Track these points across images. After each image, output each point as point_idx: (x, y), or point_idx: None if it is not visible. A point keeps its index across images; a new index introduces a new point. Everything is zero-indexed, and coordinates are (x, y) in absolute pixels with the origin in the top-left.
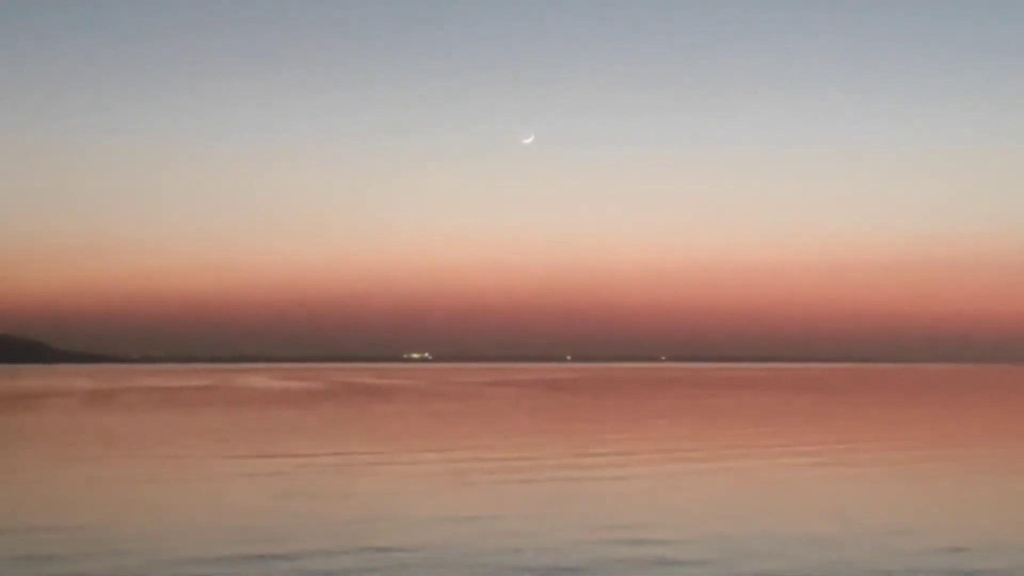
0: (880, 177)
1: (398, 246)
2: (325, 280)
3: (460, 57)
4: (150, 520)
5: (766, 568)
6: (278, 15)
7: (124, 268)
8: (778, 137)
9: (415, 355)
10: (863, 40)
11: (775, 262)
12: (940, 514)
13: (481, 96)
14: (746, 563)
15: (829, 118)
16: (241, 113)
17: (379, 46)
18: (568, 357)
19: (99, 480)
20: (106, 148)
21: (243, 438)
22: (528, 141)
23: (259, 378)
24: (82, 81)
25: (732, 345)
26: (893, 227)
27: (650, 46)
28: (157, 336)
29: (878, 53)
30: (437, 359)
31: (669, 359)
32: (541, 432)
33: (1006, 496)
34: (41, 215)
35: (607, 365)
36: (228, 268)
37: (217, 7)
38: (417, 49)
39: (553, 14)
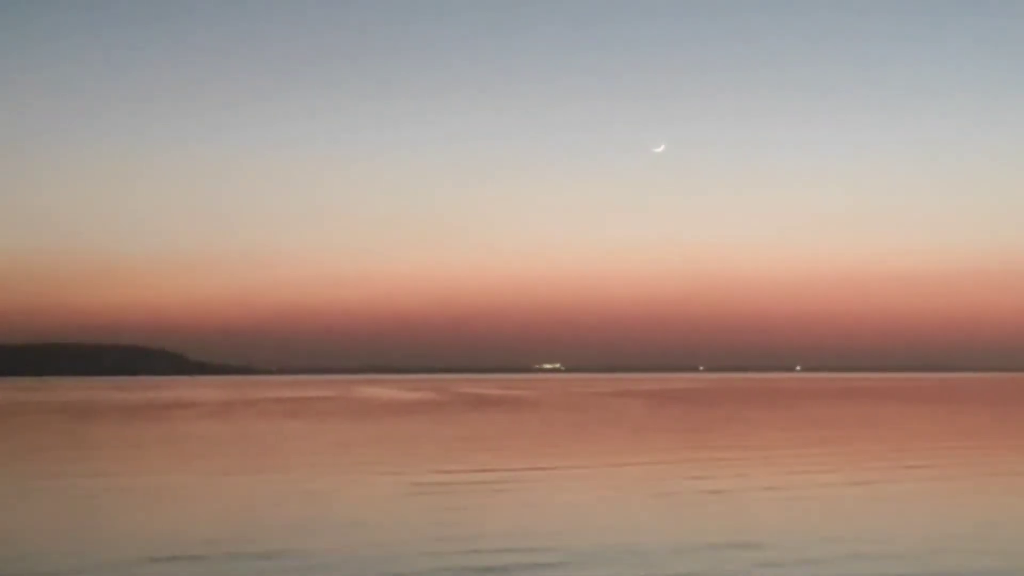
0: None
1: (530, 256)
2: (458, 291)
3: (591, 65)
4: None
5: None
6: (404, 24)
7: (257, 281)
8: (920, 145)
9: (547, 365)
10: (1001, 46)
11: (913, 271)
12: None
13: (612, 104)
14: None
15: (970, 125)
16: (375, 127)
17: (508, 55)
18: (701, 367)
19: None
20: (242, 164)
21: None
22: (659, 149)
23: (388, 389)
24: (222, 97)
25: (869, 355)
26: None
27: (785, 52)
28: (290, 348)
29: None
30: (569, 369)
31: (805, 369)
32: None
33: None
34: (178, 229)
35: (741, 375)
36: (361, 280)
37: (343, 17)
38: (548, 58)
39: (684, 20)
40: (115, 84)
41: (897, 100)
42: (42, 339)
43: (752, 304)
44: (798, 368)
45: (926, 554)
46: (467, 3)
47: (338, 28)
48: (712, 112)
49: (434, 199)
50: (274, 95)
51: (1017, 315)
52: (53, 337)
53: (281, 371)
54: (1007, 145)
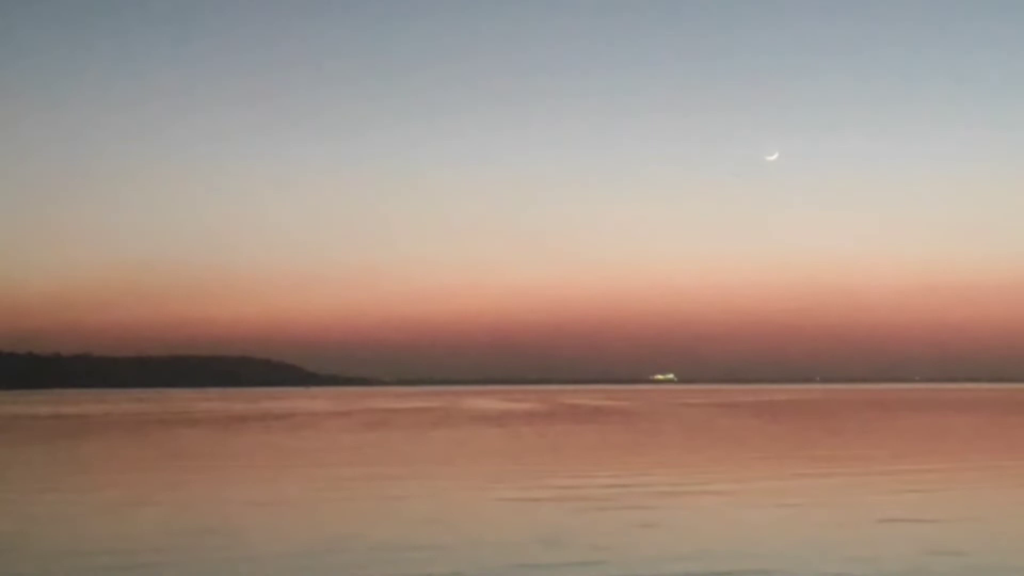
0: None
1: (643, 267)
2: (572, 303)
3: (703, 74)
4: None
5: None
6: (514, 33)
7: (371, 294)
8: None
9: (659, 377)
10: None
11: None
12: None
13: (724, 113)
14: None
15: None
16: (493, 141)
17: (621, 65)
18: (817, 378)
19: None
20: (354, 177)
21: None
22: (772, 158)
23: (494, 401)
24: (343, 112)
25: (986, 365)
26: None
27: (899, 60)
28: (403, 359)
29: None
30: (682, 380)
31: (922, 380)
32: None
33: None
34: (295, 245)
35: (858, 386)
36: (475, 292)
37: (450, 25)
38: (659, 67)
39: (797, 28)
40: (241, 104)
41: (1017, 106)
42: (176, 351)
43: (867, 315)
44: (916, 378)
45: None
46: (576, 10)
47: (447, 35)
48: (825, 121)
49: (548, 210)
50: (404, 115)
51: None
52: (185, 350)
53: (395, 382)
54: None
